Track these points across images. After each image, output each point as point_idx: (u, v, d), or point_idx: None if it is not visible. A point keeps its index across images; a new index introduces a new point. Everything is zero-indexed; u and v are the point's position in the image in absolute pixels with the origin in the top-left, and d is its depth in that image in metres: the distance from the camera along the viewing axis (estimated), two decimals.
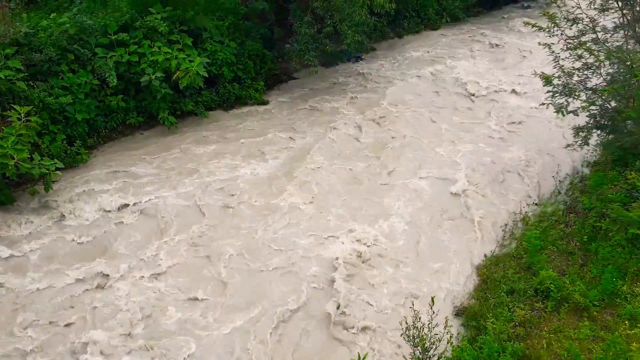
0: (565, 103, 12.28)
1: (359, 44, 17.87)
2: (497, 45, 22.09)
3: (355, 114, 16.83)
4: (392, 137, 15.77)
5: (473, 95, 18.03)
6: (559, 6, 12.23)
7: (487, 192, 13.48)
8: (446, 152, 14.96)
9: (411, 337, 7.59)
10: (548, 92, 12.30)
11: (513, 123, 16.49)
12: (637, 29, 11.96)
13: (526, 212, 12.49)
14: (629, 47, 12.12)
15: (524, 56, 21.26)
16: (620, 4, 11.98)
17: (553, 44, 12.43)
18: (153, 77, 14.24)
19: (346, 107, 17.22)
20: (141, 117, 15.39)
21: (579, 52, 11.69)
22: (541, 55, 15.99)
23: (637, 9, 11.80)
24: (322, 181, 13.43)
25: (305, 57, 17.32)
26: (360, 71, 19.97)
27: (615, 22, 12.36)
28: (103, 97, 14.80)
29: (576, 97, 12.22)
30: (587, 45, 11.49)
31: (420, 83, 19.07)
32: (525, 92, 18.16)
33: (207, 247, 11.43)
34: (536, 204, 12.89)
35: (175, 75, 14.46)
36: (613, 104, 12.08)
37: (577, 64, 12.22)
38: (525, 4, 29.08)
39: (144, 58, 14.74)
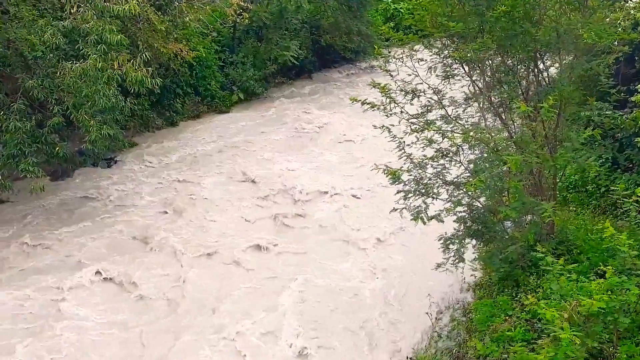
0: (424, 206, 10.01)
1: (109, 139, 14.88)
2: (318, 127, 20.12)
3: None
4: None
5: (286, 217, 15.51)
6: (391, 75, 10.03)
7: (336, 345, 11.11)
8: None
9: None
10: (398, 192, 9.84)
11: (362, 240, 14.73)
12: (492, 98, 9.98)
13: None
14: (487, 123, 10.11)
15: (350, 140, 20.23)
16: (467, 68, 10.02)
17: (392, 125, 10.13)
18: None
19: None
20: None
21: (429, 134, 9.38)
22: (375, 140, 14.03)
23: (489, 74, 9.87)
24: None
25: (21, 167, 13.57)
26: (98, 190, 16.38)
27: (464, 93, 10.39)
28: None
29: (435, 196, 9.79)
30: (437, 125, 9.29)
31: (202, 203, 16.42)
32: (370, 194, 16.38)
33: None
34: None
35: None
36: (483, 200, 9.78)
37: (429, 151, 9.90)
38: (342, 70, 28.72)
39: None
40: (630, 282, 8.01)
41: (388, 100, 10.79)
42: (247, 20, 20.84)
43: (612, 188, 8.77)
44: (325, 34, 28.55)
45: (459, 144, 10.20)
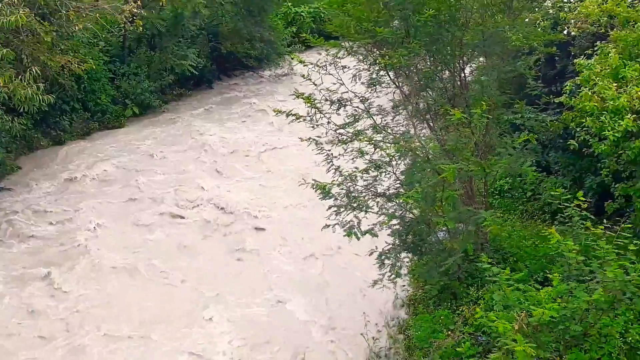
0: (356, 220, 9.87)
1: None
2: (221, 139, 19.81)
3: None
4: None
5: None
6: (314, 83, 10.12)
7: None
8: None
9: None
10: (330, 208, 9.76)
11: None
12: (420, 105, 10.22)
13: None
14: (416, 131, 10.38)
15: (262, 154, 20.12)
16: (392, 75, 10.24)
17: (319, 137, 10.21)
18: None
19: None
20: None
21: (359, 145, 9.47)
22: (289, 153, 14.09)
23: (416, 78, 10.12)
24: None
25: None
26: None
27: (391, 100, 10.57)
28: None
29: (367, 209, 9.90)
30: (368, 135, 9.38)
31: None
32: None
33: None
34: None
35: None
36: (417, 212, 9.98)
37: (359, 162, 9.99)
38: (244, 79, 28.66)
39: None
40: (579, 289, 8.36)
41: (313, 110, 10.78)
42: (140, 27, 20.19)
43: (552, 193, 9.11)
44: (225, 41, 28.21)
45: (392, 154, 10.31)
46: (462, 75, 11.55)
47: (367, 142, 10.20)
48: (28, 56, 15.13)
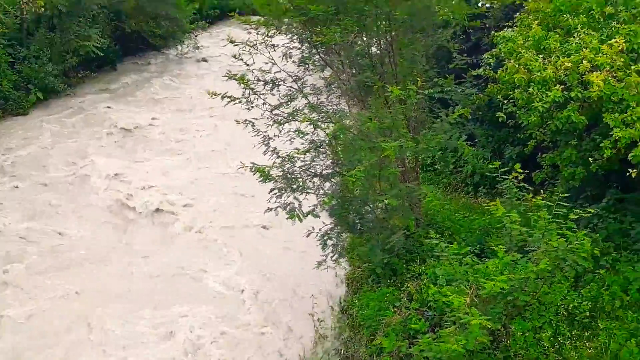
0: (297, 202, 9.67)
1: None
2: (144, 127, 18.94)
3: None
4: None
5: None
6: (246, 64, 9.88)
7: None
8: None
9: None
10: (271, 191, 9.55)
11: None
12: (352, 83, 10.17)
13: None
14: (350, 109, 10.30)
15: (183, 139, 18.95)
16: (323, 54, 10.11)
17: (256, 119, 9.90)
18: None
19: None
20: None
21: (298, 125, 9.32)
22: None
23: (346, 56, 10.03)
24: None
25: None
26: None
27: (324, 79, 10.42)
28: None
29: (308, 190, 9.78)
30: (306, 115, 9.24)
31: None
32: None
33: None
34: None
35: None
36: (356, 191, 9.95)
37: (296, 143, 9.85)
38: (148, 58, 27.95)
39: None
40: (523, 260, 8.58)
41: (248, 92, 10.48)
42: (41, 7, 18.92)
43: (489, 167, 9.28)
44: (129, 20, 26.94)
45: (331, 133, 10.17)
46: (391, 51, 11.50)
47: (308, 122, 10.01)
48: None
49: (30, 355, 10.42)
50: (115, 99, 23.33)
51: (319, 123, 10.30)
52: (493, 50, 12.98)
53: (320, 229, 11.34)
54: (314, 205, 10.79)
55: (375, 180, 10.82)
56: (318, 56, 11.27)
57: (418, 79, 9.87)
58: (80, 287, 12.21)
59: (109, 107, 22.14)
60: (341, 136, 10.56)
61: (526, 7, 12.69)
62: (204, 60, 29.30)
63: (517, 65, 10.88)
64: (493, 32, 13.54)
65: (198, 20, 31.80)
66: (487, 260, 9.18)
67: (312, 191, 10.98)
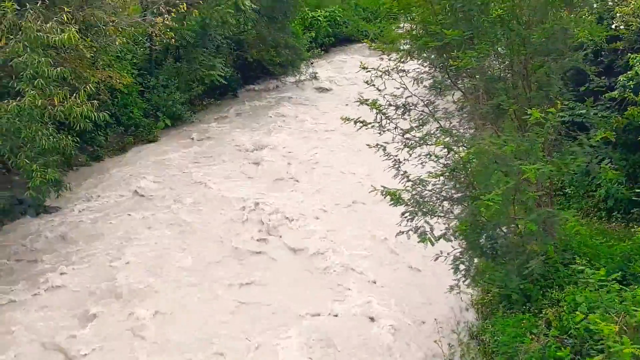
0: (428, 226, 9.76)
1: (54, 184, 13.91)
2: (273, 152, 19.89)
3: None
4: None
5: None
6: (378, 89, 10.04)
7: None
8: None
9: None
10: (403, 214, 9.67)
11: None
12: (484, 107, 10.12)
13: None
14: (481, 133, 10.24)
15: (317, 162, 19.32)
16: (454, 78, 10.13)
17: (387, 144, 10.06)
18: None
19: None
20: None
21: (432, 149, 9.35)
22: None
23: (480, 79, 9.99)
24: None
25: None
26: None
27: (454, 103, 10.43)
28: None
29: (437, 214, 9.73)
30: (441, 139, 9.29)
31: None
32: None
33: None
34: None
35: None
36: (490, 216, 9.90)
37: (427, 167, 9.90)
38: (268, 86, 29.18)
39: None
40: None
41: (380, 116, 10.64)
42: (172, 39, 20.11)
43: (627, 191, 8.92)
44: (250, 49, 28.13)
45: (467, 157, 10.09)
46: (525, 74, 11.33)
47: (443, 146, 10.01)
48: (71, 73, 14.97)
49: None
50: (239, 125, 24.23)
51: (452, 147, 10.27)
52: (629, 72, 12.52)
53: (448, 253, 11.30)
54: (445, 229, 10.73)
55: (511, 205, 10.67)
56: (449, 80, 11.28)
57: (558, 101, 9.64)
58: None
59: (234, 133, 23.09)
60: (474, 160, 10.48)
61: None
62: (323, 88, 29.87)
63: None
64: (629, 54, 13.08)
65: (314, 48, 32.84)
66: (633, 287, 8.80)
67: (442, 214, 10.94)
